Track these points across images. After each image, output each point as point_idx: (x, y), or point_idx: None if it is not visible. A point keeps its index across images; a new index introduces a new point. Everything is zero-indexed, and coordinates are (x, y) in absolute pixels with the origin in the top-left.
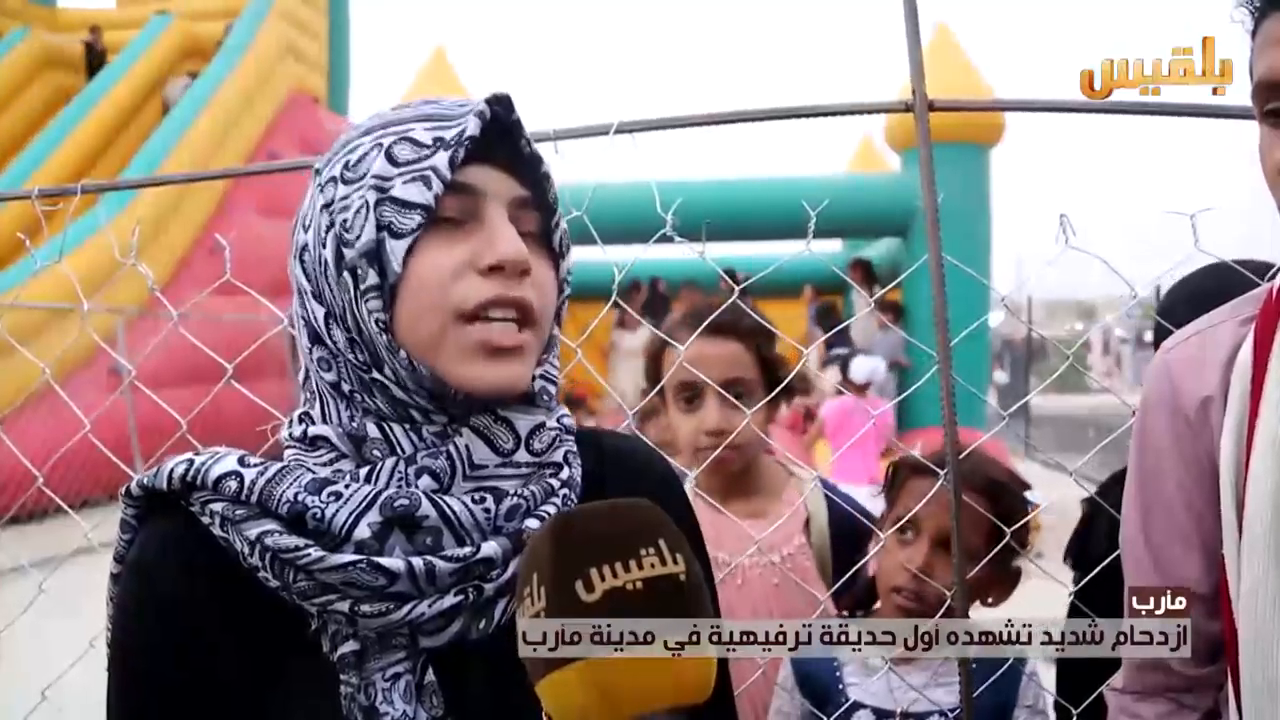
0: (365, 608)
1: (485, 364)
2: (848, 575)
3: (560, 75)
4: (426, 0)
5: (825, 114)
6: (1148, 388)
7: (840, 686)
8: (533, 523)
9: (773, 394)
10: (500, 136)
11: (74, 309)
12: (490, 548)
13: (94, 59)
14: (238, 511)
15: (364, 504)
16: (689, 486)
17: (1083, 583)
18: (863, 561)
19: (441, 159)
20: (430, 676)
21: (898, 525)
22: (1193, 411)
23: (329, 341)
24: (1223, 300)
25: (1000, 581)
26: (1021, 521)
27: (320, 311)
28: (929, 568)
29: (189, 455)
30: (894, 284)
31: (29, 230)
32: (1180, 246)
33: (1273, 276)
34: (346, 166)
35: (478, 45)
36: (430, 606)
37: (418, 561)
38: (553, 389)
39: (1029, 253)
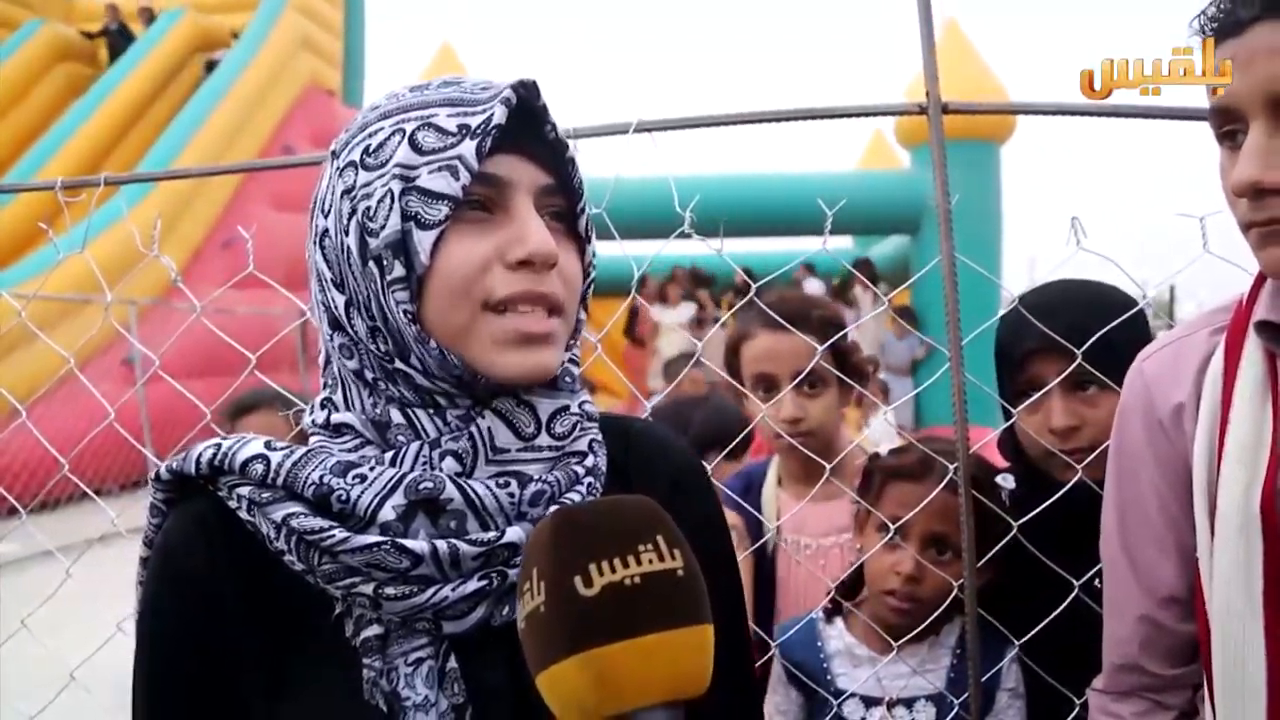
0: (389, 590)
1: (517, 351)
2: (855, 564)
3: (569, 70)
4: None
5: (839, 115)
6: (1124, 395)
7: (829, 677)
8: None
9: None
10: (525, 122)
11: (86, 300)
12: (514, 533)
13: (120, 41)
14: (264, 495)
15: (389, 486)
16: (772, 475)
17: (1087, 575)
18: (867, 554)
19: (468, 148)
20: (453, 663)
21: (880, 528)
22: (1167, 417)
23: (350, 330)
24: (1063, 316)
25: (984, 569)
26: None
27: (341, 299)
28: (918, 570)
29: (216, 440)
30: (906, 284)
31: (38, 224)
32: (1192, 246)
33: (1254, 295)
34: (367, 151)
35: (486, 40)
36: (454, 591)
37: (442, 544)
38: (575, 371)
39: (1042, 253)
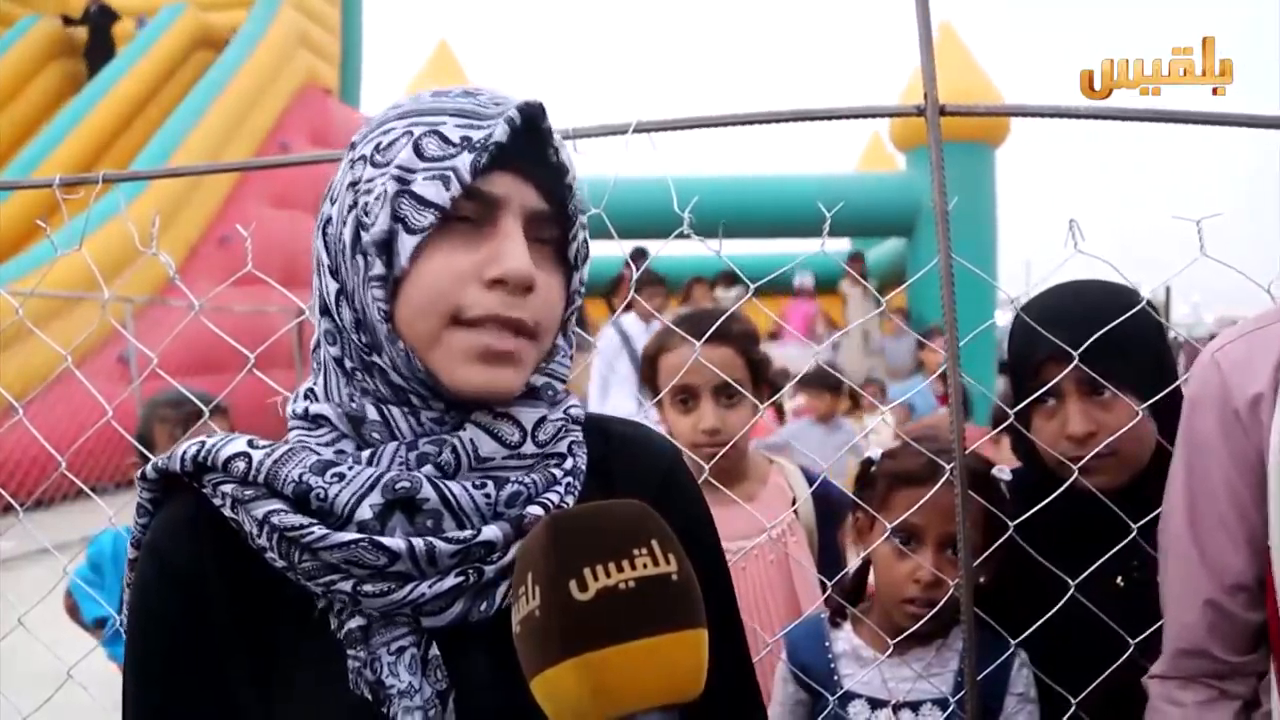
0: (367, 587)
1: (480, 367)
2: (842, 574)
3: (565, 68)
4: None
5: (836, 116)
6: (1195, 385)
7: (835, 678)
8: (534, 509)
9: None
10: (529, 143)
11: (82, 298)
12: (491, 531)
13: (102, 21)
14: (246, 492)
15: (366, 485)
16: None
17: (1081, 577)
18: (862, 558)
19: (464, 161)
20: (434, 651)
21: (882, 538)
22: (1243, 407)
23: (337, 317)
24: (1078, 321)
25: (990, 564)
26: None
27: (334, 287)
28: (938, 574)
29: (201, 438)
30: (903, 287)
31: (35, 220)
32: (1186, 249)
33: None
34: (377, 149)
35: (483, 38)
36: (431, 587)
37: (418, 542)
38: (559, 386)
39: (1037, 255)
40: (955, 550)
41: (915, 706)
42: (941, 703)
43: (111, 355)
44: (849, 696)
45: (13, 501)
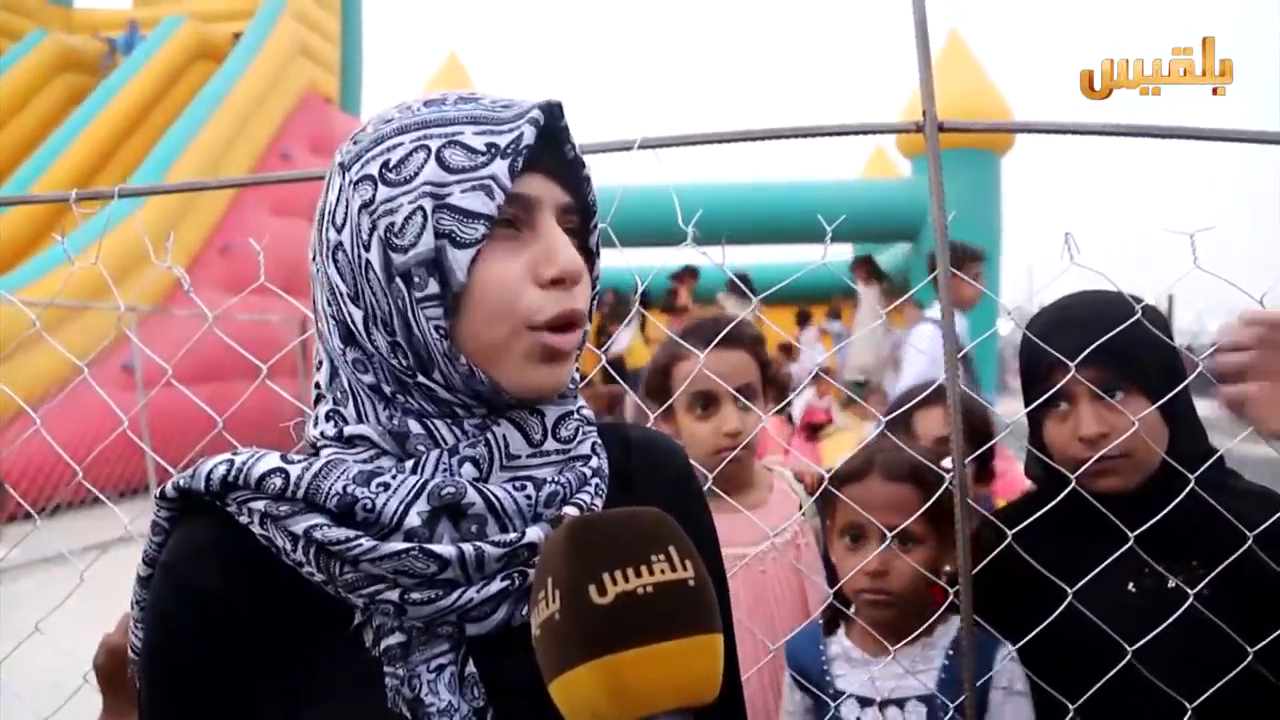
0: (415, 595)
1: (546, 366)
2: (855, 570)
3: (572, 78)
4: (438, 1)
5: (838, 133)
6: None
7: (829, 679)
8: (570, 510)
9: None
10: (547, 141)
11: (85, 307)
12: (534, 533)
13: None
14: (282, 508)
15: (412, 493)
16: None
17: (1081, 582)
18: (864, 563)
19: (501, 168)
20: (471, 668)
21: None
22: None
23: (367, 344)
24: (1090, 326)
25: (950, 555)
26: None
27: (359, 314)
28: (884, 566)
29: (228, 455)
30: (905, 297)
31: (37, 231)
32: (1185, 258)
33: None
34: (386, 166)
35: (490, 48)
36: (479, 592)
37: (468, 547)
38: (575, 377)
39: (1040, 262)
40: (901, 541)
41: (900, 703)
42: (927, 699)
43: (115, 363)
44: (841, 696)
45: (32, 510)
